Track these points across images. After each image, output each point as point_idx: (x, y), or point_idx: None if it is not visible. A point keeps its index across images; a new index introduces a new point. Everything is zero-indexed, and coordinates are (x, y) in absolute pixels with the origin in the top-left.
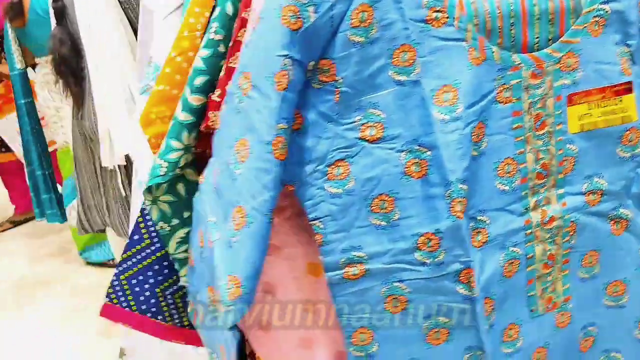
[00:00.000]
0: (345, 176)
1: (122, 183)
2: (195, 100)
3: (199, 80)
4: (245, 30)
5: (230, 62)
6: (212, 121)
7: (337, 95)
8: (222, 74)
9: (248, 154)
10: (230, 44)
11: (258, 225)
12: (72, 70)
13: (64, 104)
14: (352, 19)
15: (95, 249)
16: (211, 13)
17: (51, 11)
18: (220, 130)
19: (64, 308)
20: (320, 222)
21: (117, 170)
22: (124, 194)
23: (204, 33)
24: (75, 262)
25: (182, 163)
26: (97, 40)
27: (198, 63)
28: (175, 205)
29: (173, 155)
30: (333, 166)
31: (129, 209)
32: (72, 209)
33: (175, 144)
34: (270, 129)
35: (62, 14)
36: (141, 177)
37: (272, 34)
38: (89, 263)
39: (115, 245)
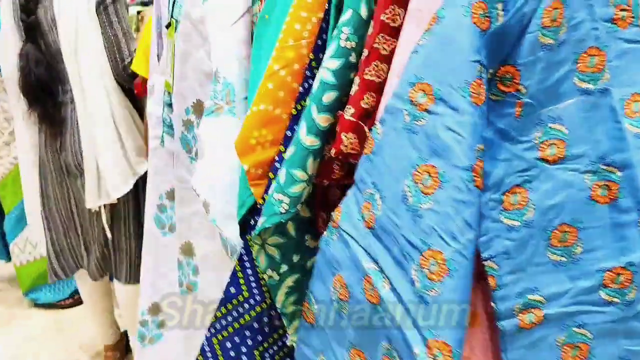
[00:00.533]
0: (523, 205)
1: (107, 224)
2: (323, 120)
3: (329, 97)
4: (383, 37)
5: (366, 74)
6: (346, 145)
7: (519, 108)
8: (354, 88)
9: (438, 183)
10: (365, 52)
11: (464, 272)
12: (51, 94)
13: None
14: (543, 18)
15: (44, 290)
16: (324, 18)
17: (17, 26)
18: (377, 155)
19: (12, 357)
20: (494, 262)
21: (102, 210)
22: (109, 236)
23: (315, 41)
24: (20, 305)
25: (304, 197)
26: (83, 60)
27: (327, 76)
28: (284, 248)
29: (296, 189)
30: (509, 193)
31: (108, 253)
32: (16, 245)
33: (299, 174)
34: (469, 151)
35: (35, 30)
36: (215, 214)
37: (460, 35)
38: (36, 305)
39: (86, 289)
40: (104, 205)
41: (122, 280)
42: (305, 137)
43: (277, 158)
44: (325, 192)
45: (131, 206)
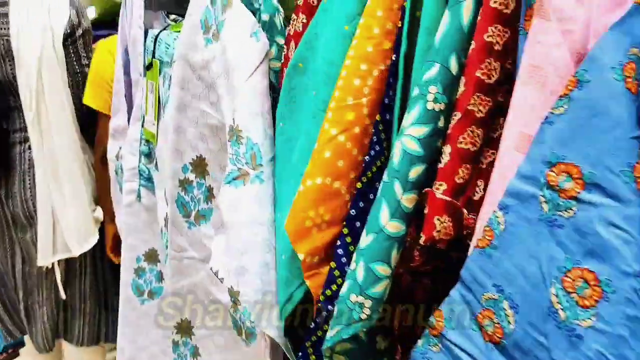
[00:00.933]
0: None
1: (61, 281)
2: (410, 201)
3: (416, 172)
4: (479, 96)
5: (460, 142)
6: (439, 230)
7: None
8: (445, 159)
9: (600, 293)
10: (457, 116)
11: None
12: None
13: None
14: None
15: None
16: (389, 70)
17: None
18: (500, 251)
19: None
20: None
21: (55, 266)
22: (63, 295)
23: (380, 99)
24: None
25: (385, 297)
26: (45, 97)
27: (413, 146)
28: (354, 356)
29: (379, 288)
30: None
31: (58, 316)
32: None
33: (381, 269)
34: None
35: None
36: (247, 305)
37: (614, 104)
38: None
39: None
40: (58, 261)
41: (74, 342)
42: (388, 223)
43: (338, 242)
44: (397, 279)
45: (88, 261)
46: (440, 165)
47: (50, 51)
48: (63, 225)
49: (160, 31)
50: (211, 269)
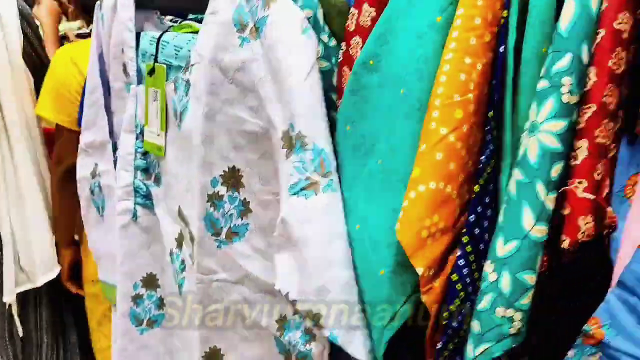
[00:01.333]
0: None
1: (18, 315)
2: (552, 201)
3: (557, 170)
4: (611, 88)
5: (598, 137)
6: (583, 232)
7: None
8: (582, 155)
9: None
10: (593, 108)
11: None
12: None
13: None
14: None
15: None
16: (499, 67)
17: None
18: None
19: None
20: None
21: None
22: (20, 332)
23: (487, 94)
24: None
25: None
26: (4, 110)
27: (552, 142)
28: None
29: (527, 299)
30: None
31: (14, 351)
32: None
33: (529, 278)
34: None
35: None
36: (333, 328)
37: None
38: None
39: None
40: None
41: None
42: (533, 228)
43: (459, 252)
44: None
45: (43, 290)
46: (577, 162)
47: (5, 66)
48: (24, 253)
49: (162, 33)
50: (279, 290)
